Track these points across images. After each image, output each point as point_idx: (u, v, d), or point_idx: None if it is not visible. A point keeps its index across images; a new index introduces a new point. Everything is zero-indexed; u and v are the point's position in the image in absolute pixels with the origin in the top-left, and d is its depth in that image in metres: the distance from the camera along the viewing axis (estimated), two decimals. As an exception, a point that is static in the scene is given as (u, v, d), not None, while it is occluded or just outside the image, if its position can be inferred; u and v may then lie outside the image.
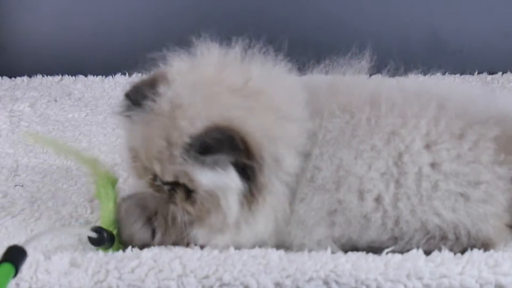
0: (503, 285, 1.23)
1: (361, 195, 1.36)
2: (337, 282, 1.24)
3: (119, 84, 2.79)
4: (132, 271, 1.27)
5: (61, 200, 1.68)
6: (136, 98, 1.37)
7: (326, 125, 1.39)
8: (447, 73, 2.85)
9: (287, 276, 1.25)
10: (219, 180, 1.33)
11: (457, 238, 1.36)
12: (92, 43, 2.94)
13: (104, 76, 2.85)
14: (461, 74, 2.88)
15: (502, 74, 2.87)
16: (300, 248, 1.37)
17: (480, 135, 1.40)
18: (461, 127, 1.40)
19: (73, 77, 2.85)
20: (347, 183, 1.37)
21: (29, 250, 1.13)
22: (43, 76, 2.84)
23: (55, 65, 2.88)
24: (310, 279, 1.25)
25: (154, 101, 1.35)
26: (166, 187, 1.37)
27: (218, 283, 1.25)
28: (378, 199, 1.36)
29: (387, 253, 1.32)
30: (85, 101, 2.59)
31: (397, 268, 1.25)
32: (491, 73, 2.89)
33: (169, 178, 1.36)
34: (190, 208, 1.36)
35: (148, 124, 1.35)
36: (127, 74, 2.84)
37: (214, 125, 1.30)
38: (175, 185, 1.37)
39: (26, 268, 1.25)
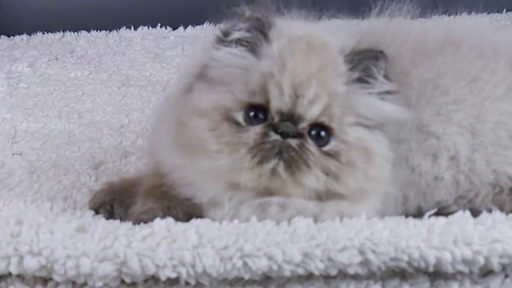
0: None
1: (435, 156, 1.25)
2: (374, 251, 1.09)
3: (124, 39, 2.70)
4: (143, 239, 1.11)
5: (63, 169, 1.55)
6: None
7: (409, 81, 1.27)
8: (473, 13, 2.74)
9: (317, 246, 1.09)
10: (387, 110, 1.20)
11: None
12: (95, -4, 2.85)
13: (108, 31, 2.77)
14: (488, 13, 2.75)
15: (535, 10, 2.74)
16: None
17: None
18: None
19: (75, 33, 2.77)
20: (424, 147, 1.25)
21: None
22: (43, 33, 2.76)
23: (56, 22, 2.79)
24: (343, 248, 1.09)
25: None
26: (293, 142, 1.14)
27: (238, 254, 1.09)
28: (453, 156, 1.25)
29: (429, 216, 1.18)
30: (88, 58, 2.50)
31: (442, 234, 1.10)
32: (522, 9, 2.77)
33: (318, 108, 1.16)
34: (327, 161, 1.16)
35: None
36: (132, 27, 2.77)
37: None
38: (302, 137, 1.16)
39: (25, 229, 1.13)
